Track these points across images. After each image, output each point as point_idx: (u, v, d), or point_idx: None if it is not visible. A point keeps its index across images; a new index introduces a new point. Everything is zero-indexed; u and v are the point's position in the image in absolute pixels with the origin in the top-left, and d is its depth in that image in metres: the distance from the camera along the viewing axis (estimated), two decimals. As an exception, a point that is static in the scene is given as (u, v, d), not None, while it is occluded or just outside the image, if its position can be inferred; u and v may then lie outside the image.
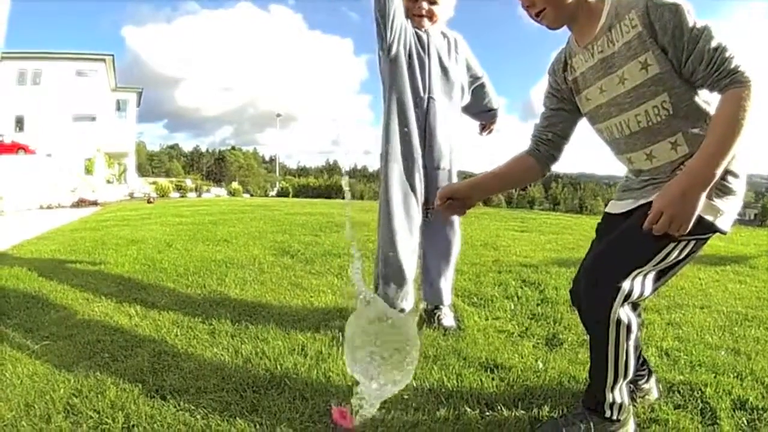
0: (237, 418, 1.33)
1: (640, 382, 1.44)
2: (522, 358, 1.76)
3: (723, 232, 1.15)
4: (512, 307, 2.41)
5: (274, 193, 21.74)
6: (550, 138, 1.42)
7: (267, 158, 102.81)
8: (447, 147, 2.05)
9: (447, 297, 2.17)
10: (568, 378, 1.61)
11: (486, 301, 2.51)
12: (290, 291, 2.68)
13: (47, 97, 23.09)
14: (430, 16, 2.01)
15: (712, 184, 1.04)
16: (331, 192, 16.90)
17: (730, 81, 1.05)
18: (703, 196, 1.04)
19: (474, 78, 2.23)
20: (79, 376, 1.55)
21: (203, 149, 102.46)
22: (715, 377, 1.62)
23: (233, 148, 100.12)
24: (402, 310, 2.02)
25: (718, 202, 1.12)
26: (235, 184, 22.28)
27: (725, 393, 1.51)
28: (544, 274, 3.18)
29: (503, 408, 1.40)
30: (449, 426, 1.31)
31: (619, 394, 1.23)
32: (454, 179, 2.11)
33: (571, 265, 3.46)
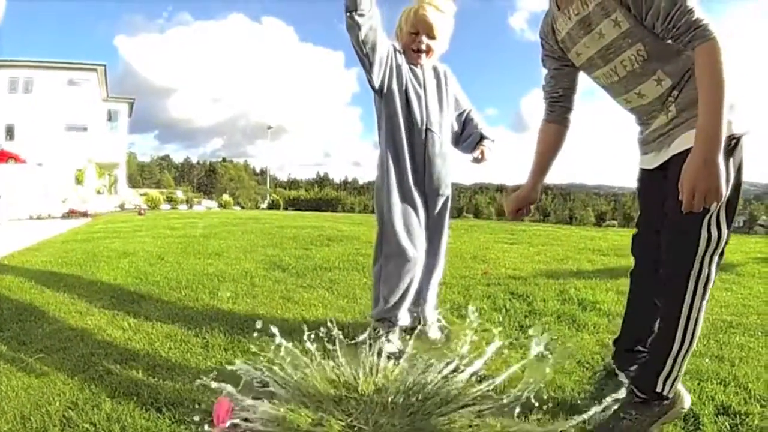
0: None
1: None
2: (508, 368, 1.80)
3: (738, 137, 1.23)
4: (500, 319, 2.46)
5: (264, 205, 21.71)
6: (561, 94, 1.59)
7: (258, 170, 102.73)
8: (445, 173, 2.10)
9: (431, 314, 2.23)
10: (554, 388, 1.66)
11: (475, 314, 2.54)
12: (282, 305, 2.71)
13: (38, 106, 22.96)
14: (428, 51, 2.01)
15: (722, 143, 1.10)
16: (322, 205, 16.94)
17: (692, 36, 1.14)
18: (721, 157, 1.10)
19: (462, 111, 2.25)
20: (74, 389, 1.59)
21: (194, 161, 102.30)
22: (699, 384, 1.69)
23: (224, 159, 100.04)
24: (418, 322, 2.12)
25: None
26: (226, 197, 22.22)
27: (708, 399, 1.57)
28: (533, 286, 3.23)
29: (491, 417, 1.44)
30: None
31: (679, 366, 1.30)
32: (450, 202, 2.17)
33: (559, 277, 3.53)
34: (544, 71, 1.63)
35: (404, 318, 2.10)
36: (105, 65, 25.93)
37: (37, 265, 3.88)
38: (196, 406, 1.48)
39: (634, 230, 1.62)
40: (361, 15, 1.70)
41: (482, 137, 2.21)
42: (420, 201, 2.04)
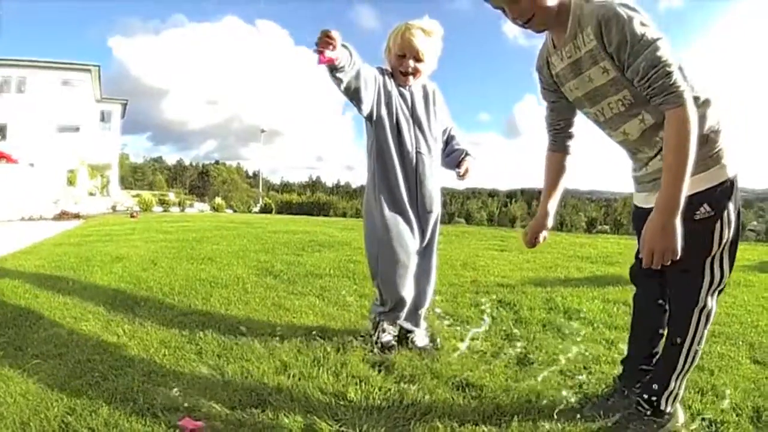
0: (224, 435, 1.42)
1: None
2: (494, 377, 1.87)
3: (734, 178, 1.32)
4: (486, 328, 2.52)
5: (257, 209, 21.67)
6: (563, 126, 1.64)
7: (250, 173, 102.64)
8: (436, 192, 2.19)
9: (422, 321, 2.31)
10: (535, 395, 1.72)
11: (462, 322, 2.61)
12: (273, 311, 2.76)
13: (31, 106, 22.78)
14: (415, 73, 2.06)
15: (680, 208, 1.18)
16: (314, 209, 16.97)
17: (664, 100, 1.20)
18: (678, 221, 1.18)
19: (444, 128, 2.30)
20: (71, 394, 1.63)
21: (187, 162, 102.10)
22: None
23: (217, 162, 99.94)
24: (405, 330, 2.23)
25: (713, 168, 1.30)
26: (218, 200, 22.14)
27: (685, 407, 1.62)
28: (520, 294, 3.29)
29: (473, 425, 1.51)
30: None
31: (680, 383, 1.41)
32: (439, 218, 2.25)
33: (547, 285, 3.59)
34: (544, 103, 1.67)
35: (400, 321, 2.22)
36: (99, 66, 25.82)
37: (30, 269, 3.90)
38: (191, 413, 1.53)
39: (624, 236, 1.70)
40: (341, 71, 1.76)
41: (465, 154, 2.28)
42: (414, 219, 2.13)
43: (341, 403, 1.66)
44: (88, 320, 2.47)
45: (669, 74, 1.18)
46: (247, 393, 1.70)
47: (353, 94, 1.89)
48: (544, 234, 1.74)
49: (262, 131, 44.76)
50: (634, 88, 1.30)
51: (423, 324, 2.33)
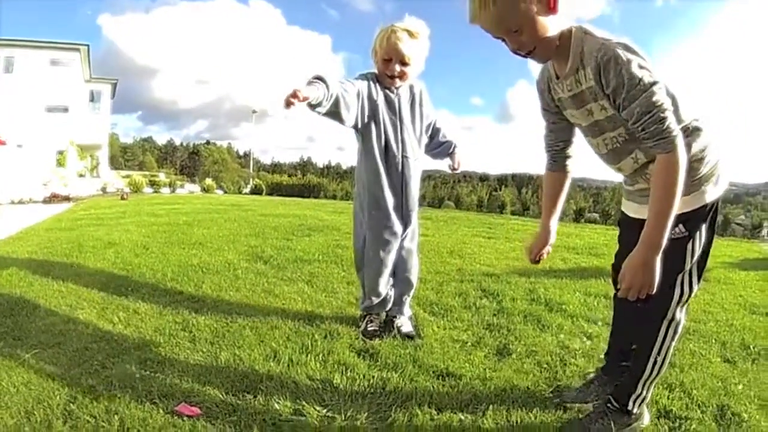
0: (218, 420, 1.53)
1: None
2: (472, 367, 1.98)
3: (711, 204, 1.41)
4: (469, 317, 2.62)
5: (247, 190, 21.60)
6: (562, 147, 1.69)
7: (241, 153, 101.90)
8: (417, 191, 2.32)
9: (406, 308, 2.44)
10: (510, 387, 1.82)
11: (446, 311, 2.71)
12: (263, 298, 2.84)
13: (20, 86, 22.40)
14: (401, 76, 2.10)
15: (663, 246, 1.25)
16: (304, 191, 16.96)
17: (656, 144, 1.25)
18: (658, 259, 1.26)
19: (430, 122, 2.37)
20: (72, 383, 1.71)
21: (177, 142, 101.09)
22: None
23: (208, 142, 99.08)
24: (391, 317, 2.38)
25: (693, 194, 1.38)
26: (208, 181, 22.04)
27: (653, 402, 1.69)
28: (504, 284, 3.38)
29: (450, 412, 1.62)
30: (400, 428, 1.53)
31: (647, 389, 1.52)
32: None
33: (531, 275, 3.67)
34: (543, 123, 1.71)
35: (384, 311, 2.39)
36: (88, 45, 25.37)
37: (23, 255, 3.94)
38: (187, 399, 1.63)
39: (612, 226, 1.78)
40: (319, 105, 1.80)
41: (453, 147, 2.38)
42: (398, 220, 2.25)
43: (328, 389, 1.77)
44: (83, 308, 2.54)
45: (662, 120, 1.23)
46: (240, 379, 1.80)
47: (333, 117, 1.95)
48: (547, 249, 1.79)
49: (254, 112, 44.29)
50: (628, 127, 1.36)
51: (408, 311, 2.44)
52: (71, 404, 1.56)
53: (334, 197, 17.41)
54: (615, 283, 1.73)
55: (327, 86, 1.79)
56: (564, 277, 3.68)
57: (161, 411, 1.55)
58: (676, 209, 1.24)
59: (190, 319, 2.43)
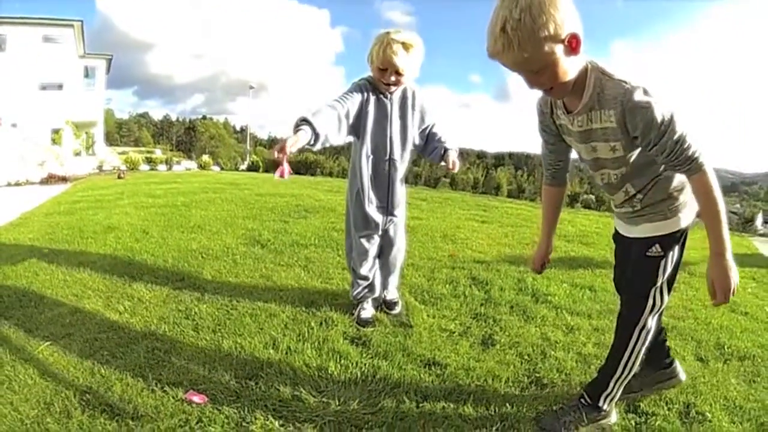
0: (224, 406, 1.67)
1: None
2: (458, 356, 2.11)
3: (684, 228, 1.57)
4: (458, 306, 2.73)
5: (244, 167, 21.52)
6: (561, 166, 1.79)
7: (238, 128, 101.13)
8: (402, 191, 2.49)
9: (393, 291, 2.67)
10: (492, 377, 1.95)
11: (436, 299, 2.82)
12: (262, 284, 2.96)
13: (12, 65, 22.05)
14: (396, 83, 2.21)
15: (729, 244, 1.39)
16: (301, 168, 16.94)
17: (688, 169, 1.37)
18: (731, 258, 1.39)
19: (426, 126, 2.46)
20: (86, 373, 1.84)
21: (174, 118, 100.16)
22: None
23: (204, 117, 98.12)
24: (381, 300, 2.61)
25: (670, 219, 1.54)
26: (205, 157, 21.92)
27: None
28: (494, 272, 3.46)
29: (435, 401, 1.76)
30: (388, 414, 1.67)
31: (618, 387, 1.66)
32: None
33: (521, 264, 3.74)
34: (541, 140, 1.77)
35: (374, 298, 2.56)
36: (82, 21, 24.94)
37: (24, 243, 3.99)
38: (194, 386, 1.77)
39: (605, 213, 1.92)
40: (309, 145, 1.94)
41: (446, 150, 2.46)
42: (383, 217, 2.42)
43: (323, 376, 1.91)
44: (89, 297, 2.64)
45: (690, 146, 1.33)
46: (242, 366, 1.94)
47: (324, 145, 2.06)
48: (549, 259, 1.94)
49: (251, 87, 43.72)
50: (630, 166, 1.51)
51: (395, 293, 2.67)
52: (87, 394, 1.69)
53: (330, 174, 17.42)
54: (618, 289, 1.88)
55: (313, 128, 1.92)
56: (552, 267, 3.69)
57: (171, 398, 1.68)
58: (724, 210, 1.38)
59: (192, 307, 2.54)
